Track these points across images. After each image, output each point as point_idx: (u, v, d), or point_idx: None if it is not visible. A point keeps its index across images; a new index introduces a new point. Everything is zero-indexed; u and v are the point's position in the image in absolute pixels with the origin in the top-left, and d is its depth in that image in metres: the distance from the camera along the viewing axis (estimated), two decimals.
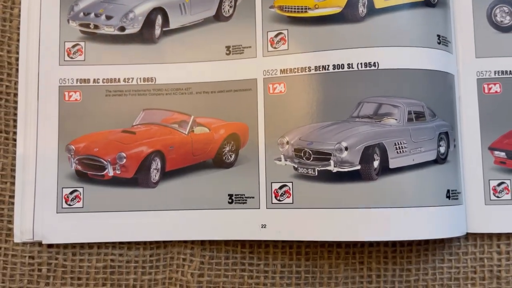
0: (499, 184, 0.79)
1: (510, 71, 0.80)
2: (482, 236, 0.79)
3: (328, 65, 0.76)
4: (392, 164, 0.73)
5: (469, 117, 0.80)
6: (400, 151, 0.74)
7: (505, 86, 0.80)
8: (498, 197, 0.78)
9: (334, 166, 0.74)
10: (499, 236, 0.79)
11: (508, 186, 0.79)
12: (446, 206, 0.74)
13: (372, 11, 0.76)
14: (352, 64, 0.75)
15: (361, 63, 0.75)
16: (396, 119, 0.76)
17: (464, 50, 0.81)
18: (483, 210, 0.78)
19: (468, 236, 0.79)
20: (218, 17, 0.83)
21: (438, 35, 0.76)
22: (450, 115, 0.77)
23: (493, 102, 0.80)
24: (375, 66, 0.74)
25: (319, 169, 0.75)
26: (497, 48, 0.81)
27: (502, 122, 0.80)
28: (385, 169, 0.73)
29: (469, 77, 0.81)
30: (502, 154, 0.80)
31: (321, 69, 0.76)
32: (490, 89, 0.81)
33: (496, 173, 0.79)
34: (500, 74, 0.81)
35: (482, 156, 0.79)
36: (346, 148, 0.74)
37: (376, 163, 0.74)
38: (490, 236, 0.79)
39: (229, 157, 0.81)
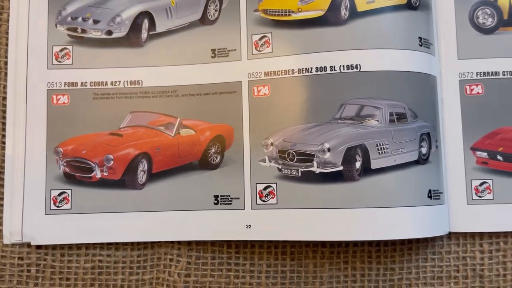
0: (481, 184, 0.80)
1: (492, 72, 0.82)
2: (464, 235, 0.80)
3: (311, 68, 0.77)
4: (374, 165, 0.74)
5: (451, 118, 0.81)
6: (381, 152, 0.75)
7: (487, 87, 0.81)
8: (480, 196, 0.80)
9: (317, 167, 0.75)
10: (481, 235, 0.80)
11: (490, 186, 0.80)
12: (427, 206, 0.75)
13: (354, 14, 0.77)
14: (334, 66, 0.76)
15: (343, 66, 0.76)
16: (377, 121, 0.77)
17: (446, 52, 0.82)
18: (466, 210, 0.79)
19: (451, 235, 0.80)
20: (204, 20, 0.85)
21: (420, 38, 0.78)
22: (432, 116, 0.78)
23: (475, 103, 0.81)
24: (357, 68, 0.75)
25: (302, 170, 0.76)
26: (479, 50, 0.82)
27: (484, 123, 0.81)
28: (367, 170, 0.74)
29: (451, 78, 0.82)
30: (484, 155, 0.81)
31: (304, 71, 0.77)
32: (472, 90, 0.82)
33: (478, 173, 0.80)
34: (482, 75, 0.82)
35: (464, 157, 0.80)
36: (329, 149, 0.75)
37: (358, 164, 0.75)
38: (472, 235, 0.80)
39: (215, 158, 0.82)
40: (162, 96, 0.82)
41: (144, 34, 0.84)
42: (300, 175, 0.76)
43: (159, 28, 0.85)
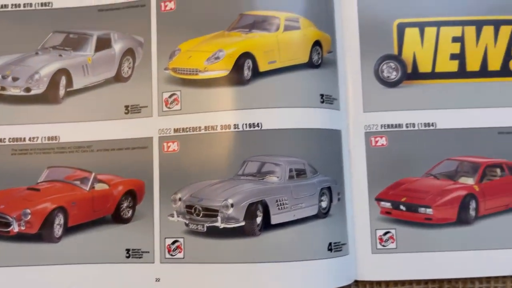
0: (385, 234, 0.83)
1: (396, 124, 0.85)
2: (371, 283, 0.83)
3: (216, 126, 0.80)
4: (274, 220, 0.77)
5: (357, 170, 0.84)
6: (281, 208, 0.78)
7: (391, 139, 0.84)
8: (384, 246, 0.82)
9: (221, 222, 0.78)
10: (387, 283, 0.83)
11: (393, 235, 0.83)
12: (328, 259, 0.77)
13: (257, 74, 0.81)
14: (238, 124, 0.79)
15: (245, 124, 0.79)
16: (277, 177, 0.80)
17: (353, 105, 0.85)
18: (371, 259, 0.82)
19: (358, 283, 0.83)
20: (118, 77, 0.88)
21: (322, 95, 0.81)
22: (335, 170, 0.81)
23: (380, 155, 0.84)
24: (258, 126, 0.79)
25: (207, 225, 0.78)
26: (384, 103, 0.85)
27: (388, 174, 0.84)
28: (267, 225, 0.77)
29: (357, 131, 0.85)
30: (388, 205, 0.84)
31: (210, 129, 0.80)
32: (377, 142, 0.85)
33: (382, 223, 0.83)
34: (386, 127, 0.85)
35: (370, 207, 0.83)
36: (232, 205, 0.78)
37: (259, 220, 0.78)
38: (379, 283, 0.83)
39: (127, 212, 0.85)
40: (78, 151, 0.85)
41: (61, 91, 0.87)
42: (205, 230, 0.78)
43: (76, 85, 0.88)
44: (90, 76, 0.88)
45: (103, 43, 0.90)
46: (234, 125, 0.79)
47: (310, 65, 0.81)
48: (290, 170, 0.79)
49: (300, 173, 0.80)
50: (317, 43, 0.83)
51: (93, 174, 0.85)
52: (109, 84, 0.87)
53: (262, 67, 0.81)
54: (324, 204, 0.80)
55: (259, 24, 0.85)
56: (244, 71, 0.81)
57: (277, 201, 0.78)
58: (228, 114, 0.79)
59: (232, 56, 0.82)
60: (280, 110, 0.79)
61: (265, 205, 0.78)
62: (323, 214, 0.79)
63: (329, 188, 0.80)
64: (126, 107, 0.85)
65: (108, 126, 0.85)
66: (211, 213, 0.79)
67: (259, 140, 0.78)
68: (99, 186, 0.85)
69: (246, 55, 0.82)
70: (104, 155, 0.84)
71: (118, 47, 0.89)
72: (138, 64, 0.86)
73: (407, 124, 0.85)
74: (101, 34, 0.90)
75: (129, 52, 0.88)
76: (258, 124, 0.78)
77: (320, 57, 0.82)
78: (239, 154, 0.79)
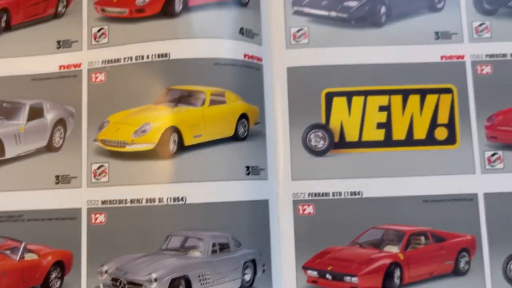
0: None
1: (322, 193, 0.86)
2: None
3: (142, 199, 0.81)
4: None
5: (285, 238, 0.85)
6: (203, 283, 0.79)
7: (317, 208, 0.86)
8: None
9: None
10: None
11: None
12: None
13: (182, 148, 0.82)
14: (162, 198, 0.80)
15: (170, 198, 0.80)
16: (200, 252, 0.81)
17: (282, 174, 0.87)
18: None
19: None
20: (50, 147, 0.89)
21: (248, 166, 0.82)
22: (261, 240, 0.82)
23: (308, 223, 0.86)
24: (183, 200, 0.80)
25: None
26: (311, 171, 0.87)
27: (316, 242, 0.85)
28: None
29: (285, 199, 0.86)
30: (314, 273, 0.85)
31: (136, 202, 0.81)
32: (304, 210, 0.86)
33: None
34: (313, 196, 0.86)
35: (297, 275, 0.84)
36: (156, 280, 0.78)
37: None
38: None
39: (55, 283, 0.85)
40: (9, 220, 0.85)
41: None
42: None
43: (8, 154, 0.88)
44: (22, 145, 0.89)
45: (36, 113, 0.91)
46: (159, 198, 0.80)
47: (236, 138, 0.83)
48: (213, 245, 0.80)
49: (224, 247, 0.81)
50: (243, 116, 0.85)
51: (23, 244, 0.85)
52: (40, 153, 0.88)
53: (188, 141, 0.82)
54: (247, 277, 0.81)
55: (185, 98, 0.87)
56: (169, 145, 0.82)
57: (199, 276, 0.79)
58: (153, 188, 0.81)
59: (158, 130, 0.83)
60: (204, 184, 0.80)
61: (187, 280, 0.78)
62: (246, 287, 0.80)
63: (253, 261, 0.82)
64: (57, 177, 0.85)
65: (39, 195, 0.85)
66: (135, 286, 0.79)
67: (183, 214, 0.80)
68: (28, 256, 0.86)
69: (172, 129, 0.83)
70: (34, 225, 0.85)
71: (50, 116, 0.90)
72: (69, 134, 0.87)
73: (333, 192, 0.86)
74: (34, 104, 0.91)
75: (60, 122, 0.90)
76: (182, 198, 0.80)
77: (246, 130, 0.84)
78: (163, 228, 0.80)
